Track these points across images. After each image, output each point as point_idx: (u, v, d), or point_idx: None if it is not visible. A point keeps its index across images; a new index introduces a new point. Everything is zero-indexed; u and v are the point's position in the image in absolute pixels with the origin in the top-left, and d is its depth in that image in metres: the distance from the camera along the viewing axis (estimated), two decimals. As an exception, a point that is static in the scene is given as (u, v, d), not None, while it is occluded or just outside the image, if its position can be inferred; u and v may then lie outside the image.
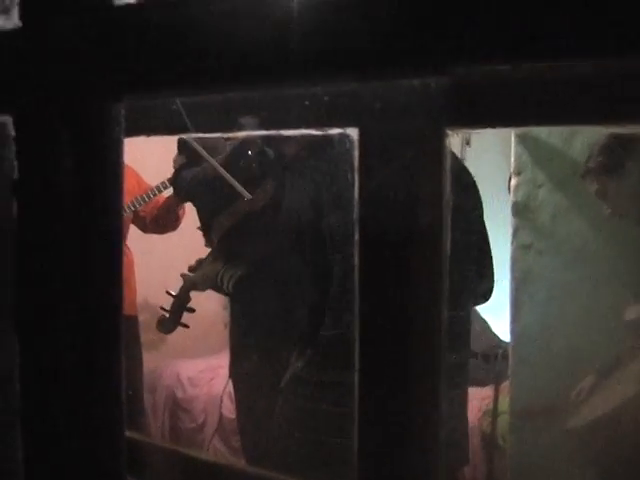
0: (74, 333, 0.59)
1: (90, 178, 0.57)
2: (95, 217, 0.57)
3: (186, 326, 2.38)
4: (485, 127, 0.88)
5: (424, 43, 0.52)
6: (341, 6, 0.54)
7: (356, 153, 0.83)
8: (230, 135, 1.83)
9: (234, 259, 2.08)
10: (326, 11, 0.54)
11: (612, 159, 2.26)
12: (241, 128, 0.65)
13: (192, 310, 2.35)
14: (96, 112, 0.57)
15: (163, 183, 3.49)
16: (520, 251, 2.82)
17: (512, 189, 2.83)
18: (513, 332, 2.88)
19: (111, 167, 0.57)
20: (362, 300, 0.83)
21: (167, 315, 2.32)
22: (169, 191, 3.49)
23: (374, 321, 0.82)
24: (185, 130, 0.62)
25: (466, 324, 1.97)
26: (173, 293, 2.31)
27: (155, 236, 3.72)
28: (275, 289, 1.88)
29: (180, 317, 2.33)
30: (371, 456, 0.84)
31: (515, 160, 2.83)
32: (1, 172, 0.59)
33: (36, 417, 0.60)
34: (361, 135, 0.84)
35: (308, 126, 0.84)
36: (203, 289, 2.24)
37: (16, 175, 0.58)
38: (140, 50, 0.56)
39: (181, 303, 2.31)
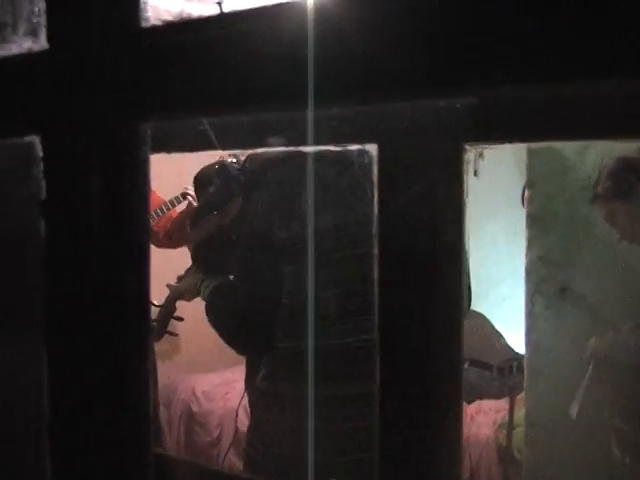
0: (101, 347, 0.60)
1: (118, 197, 0.58)
2: (122, 235, 0.58)
3: (174, 334, 2.44)
4: (502, 142, 0.89)
5: (443, 63, 0.53)
6: (362, 26, 0.55)
7: (375, 169, 0.84)
8: (251, 152, 1.89)
9: (212, 270, 2.15)
10: (347, 31, 0.55)
11: (621, 184, 2.26)
12: (266, 145, 0.66)
13: (180, 319, 2.41)
14: (123, 132, 0.57)
15: (177, 197, 3.50)
16: (534, 263, 2.81)
17: (526, 201, 2.83)
18: (528, 344, 2.87)
19: (138, 186, 0.58)
20: (382, 314, 0.83)
21: (154, 323, 2.37)
22: (182, 205, 3.50)
23: (393, 335, 0.83)
24: (209, 147, 0.63)
25: None
26: (156, 303, 2.35)
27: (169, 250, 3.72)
28: (242, 301, 1.92)
29: (166, 325, 2.40)
30: (393, 467, 0.84)
31: (529, 173, 2.83)
32: (29, 192, 0.60)
33: (64, 430, 0.61)
34: (380, 151, 0.85)
35: (329, 142, 0.85)
36: (189, 299, 2.29)
37: (44, 195, 0.59)
38: (166, 70, 0.57)
39: (167, 312, 2.36)
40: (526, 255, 2.84)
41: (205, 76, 0.56)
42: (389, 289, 0.83)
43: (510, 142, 0.87)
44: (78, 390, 0.60)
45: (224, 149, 0.65)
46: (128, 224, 0.58)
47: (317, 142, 0.89)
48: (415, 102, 0.79)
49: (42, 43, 0.60)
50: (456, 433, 0.84)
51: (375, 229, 0.84)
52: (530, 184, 2.82)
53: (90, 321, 0.60)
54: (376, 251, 0.84)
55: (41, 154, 0.59)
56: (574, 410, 2.30)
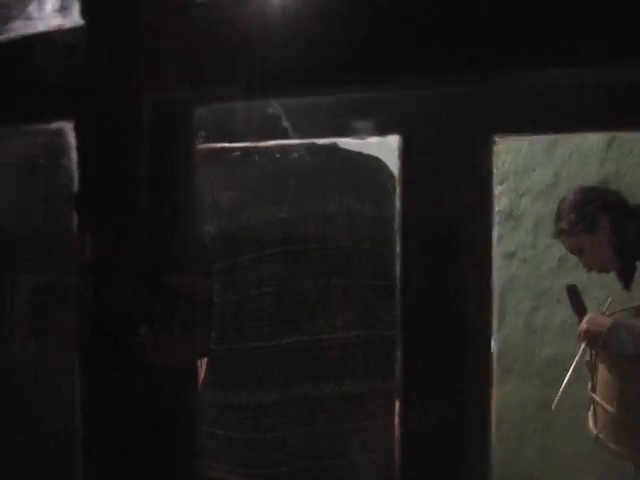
0: (140, 354, 0.55)
1: (162, 189, 0.52)
2: (170, 233, 0.53)
3: None
4: (534, 134, 0.86)
5: (468, 50, 0.49)
6: (387, 13, 0.51)
7: (398, 162, 0.80)
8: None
9: None
10: (372, 18, 0.50)
11: (584, 216, 2.24)
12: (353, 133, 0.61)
13: None
14: (170, 117, 0.52)
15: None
16: (504, 259, 2.82)
17: (495, 198, 2.83)
18: (497, 341, 2.87)
19: (185, 179, 0.52)
20: (404, 309, 0.80)
21: None
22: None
23: (416, 331, 0.79)
24: (274, 135, 0.57)
25: None
26: None
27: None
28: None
29: None
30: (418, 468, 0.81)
31: (498, 169, 2.82)
32: (58, 184, 0.54)
33: (97, 449, 0.56)
34: (404, 143, 0.81)
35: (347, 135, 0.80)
36: None
37: (76, 187, 0.53)
38: (219, 47, 0.51)
39: None
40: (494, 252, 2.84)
41: (259, 53, 0.51)
42: (411, 285, 0.80)
43: (544, 134, 0.84)
44: (113, 405, 0.55)
45: (297, 137, 0.59)
46: (182, 221, 0.52)
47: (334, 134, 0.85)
48: (440, 92, 0.76)
49: (75, 19, 0.54)
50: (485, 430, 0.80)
51: (397, 224, 0.80)
52: (499, 180, 2.82)
53: (128, 328, 0.54)
54: (398, 246, 0.80)
55: (75, 142, 0.53)
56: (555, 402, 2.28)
